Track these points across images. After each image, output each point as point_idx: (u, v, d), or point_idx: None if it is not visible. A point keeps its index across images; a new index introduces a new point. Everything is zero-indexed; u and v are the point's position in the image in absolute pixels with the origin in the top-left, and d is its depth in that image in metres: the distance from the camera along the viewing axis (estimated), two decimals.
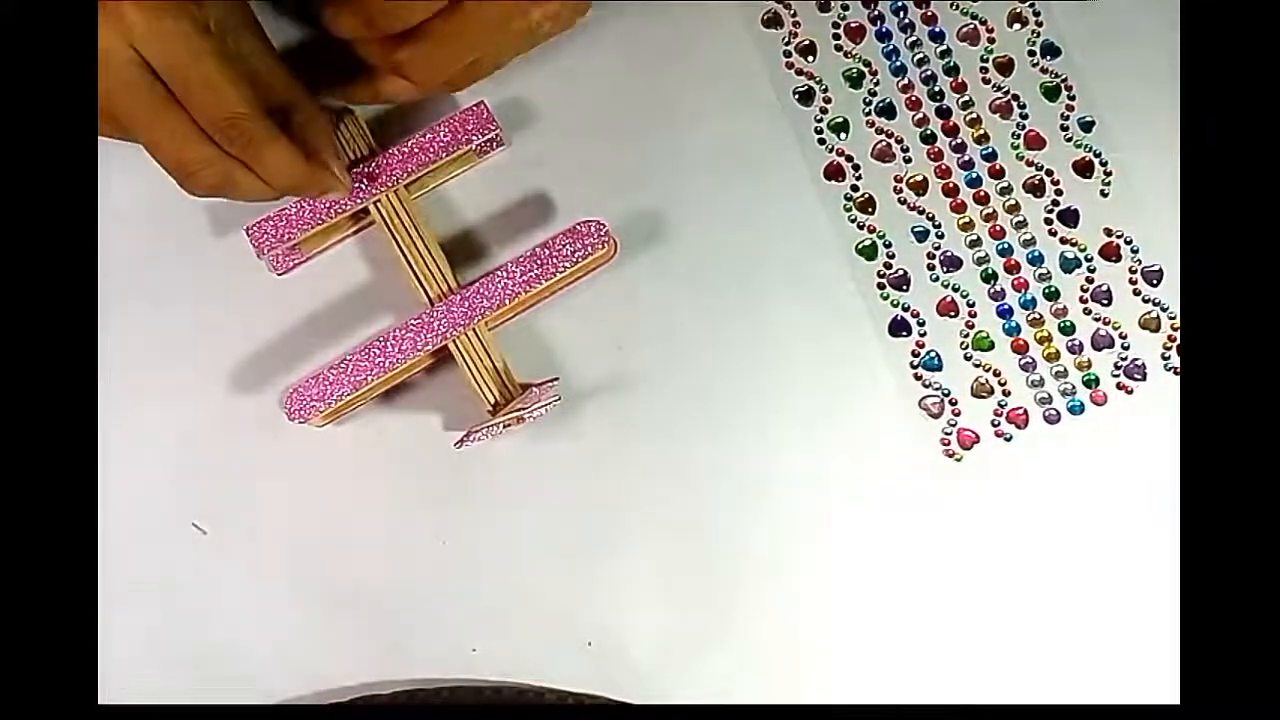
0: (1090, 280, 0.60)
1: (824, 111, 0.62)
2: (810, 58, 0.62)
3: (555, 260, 0.57)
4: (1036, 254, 0.60)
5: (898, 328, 0.60)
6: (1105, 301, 0.60)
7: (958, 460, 0.59)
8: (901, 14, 0.62)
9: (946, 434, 0.59)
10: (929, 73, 0.62)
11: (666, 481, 0.58)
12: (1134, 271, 0.60)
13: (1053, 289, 0.60)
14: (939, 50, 0.62)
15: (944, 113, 0.61)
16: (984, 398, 0.59)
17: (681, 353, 0.59)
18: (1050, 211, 0.60)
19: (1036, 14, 0.62)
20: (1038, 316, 0.60)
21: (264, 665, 0.57)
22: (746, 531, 0.58)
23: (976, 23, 0.62)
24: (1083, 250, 0.60)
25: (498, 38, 0.53)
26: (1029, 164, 0.61)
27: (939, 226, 0.61)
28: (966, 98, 0.62)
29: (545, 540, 0.58)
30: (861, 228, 0.61)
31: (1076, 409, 0.59)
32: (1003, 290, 0.60)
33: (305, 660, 0.57)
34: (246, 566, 0.58)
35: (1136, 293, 0.60)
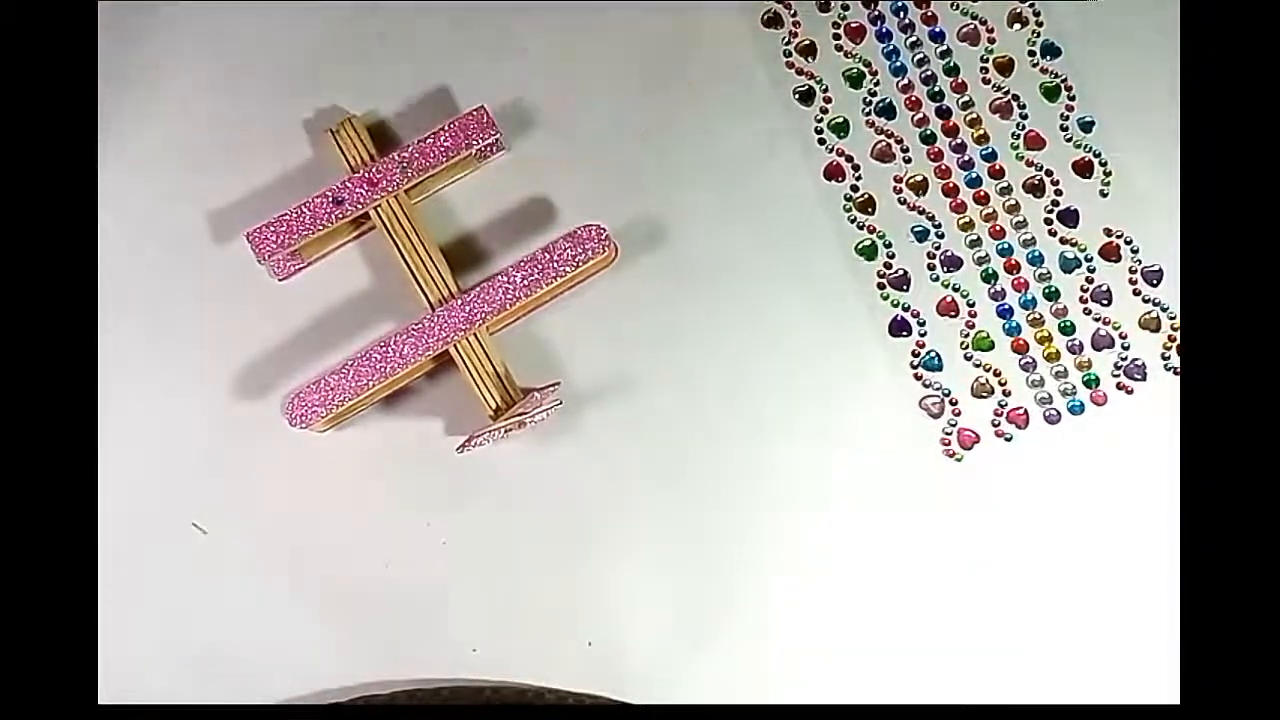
0: (1090, 280, 0.60)
1: (824, 111, 0.62)
2: (810, 58, 0.62)
3: (556, 264, 0.57)
4: (1036, 254, 0.60)
5: (898, 328, 0.60)
6: (1105, 301, 0.60)
7: (958, 460, 0.59)
8: (901, 14, 0.62)
9: (946, 434, 0.59)
10: (929, 73, 0.62)
11: (666, 483, 0.58)
12: (1134, 271, 0.60)
13: (1053, 289, 0.60)
14: (939, 50, 0.62)
15: (944, 113, 0.61)
16: (984, 398, 0.59)
17: (682, 355, 0.59)
18: (1050, 211, 0.60)
19: (1036, 14, 0.62)
20: (1038, 316, 0.60)
21: (264, 665, 0.57)
22: (746, 532, 0.58)
23: (976, 23, 0.62)
24: (1083, 250, 0.60)
25: None
26: (1029, 164, 0.61)
27: (939, 226, 0.61)
28: (966, 98, 0.62)
29: (545, 540, 0.58)
30: (861, 228, 0.61)
31: (1077, 409, 0.59)
32: (1003, 290, 0.60)
33: (305, 660, 0.57)
34: (246, 566, 0.58)
35: (1136, 293, 0.60)
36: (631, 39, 0.62)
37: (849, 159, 0.61)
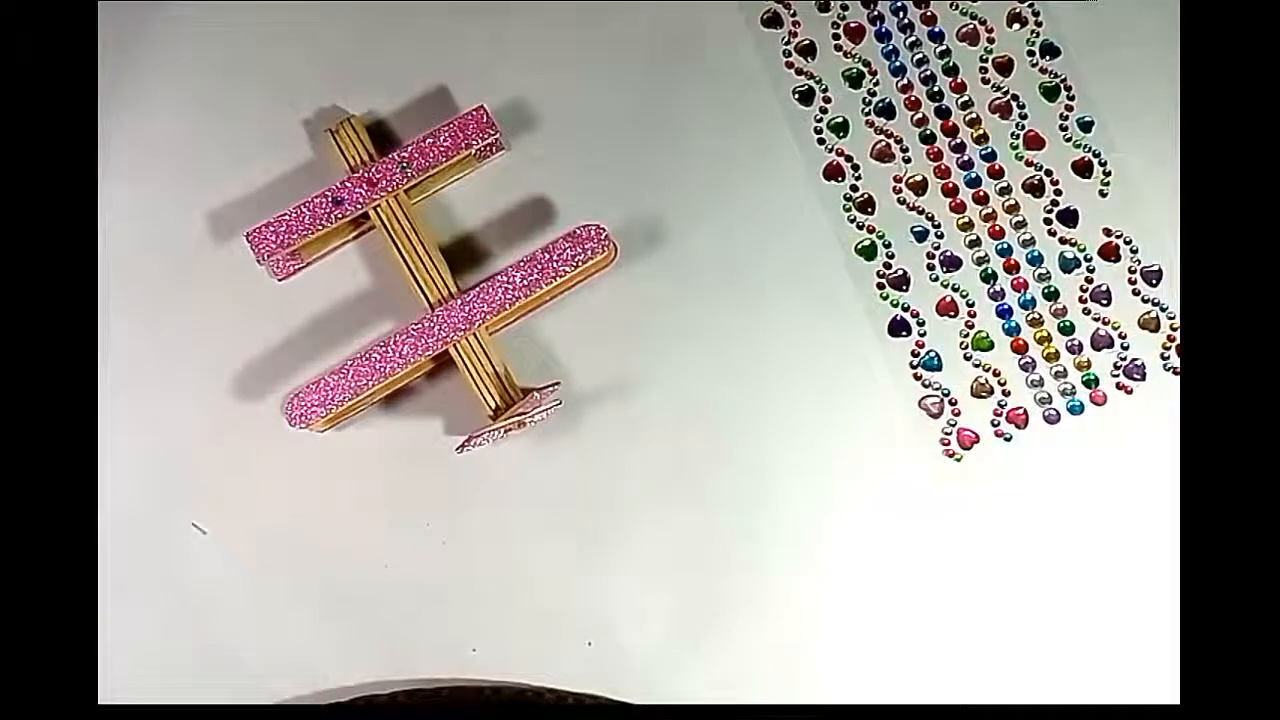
0: (1090, 280, 0.60)
1: (824, 111, 0.62)
2: (810, 58, 0.62)
3: (555, 264, 0.57)
4: (1036, 254, 0.60)
5: (898, 328, 0.60)
6: (1105, 301, 0.60)
7: (958, 460, 0.59)
8: (901, 14, 0.62)
9: (946, 434, 0.59)
10: (929, 73, 0.62)
11: (666, 483, 0.58)
12: (1133, 271, 0.60)
13: (1052, 289, 0.60)
14: (939, 50, 0.62)
15: (943, 113, 0.61)
16: (984, 398, 0.59)
17: (682, 355, 0.59)
18: (1050, 211, 0.60)
19: (1036, 14, 0.62)
20: (1037, 316, 0.60)
21: (264, 665, 0.57)
22: (746, 532, 0.58)
23: (976, 23, 0.62)
24: (1082, 250, 0.60)
25: None
26: (1028, 164, 0.61)
27: (939, 226, 0.61)
28: (966, 98, 0.62)
29: (545, 540, 0.58)
30: (861, 228, 0.61)
31: (1076, 409, 0.59)
32: (1002, 290, 0.60)
33: (305, 660, 0.57)
34: (246, 566, 0.58)
35: (1136, 293, 0.60)
36: (631, 39, 0.62)
37: (849, 159, 0.61)
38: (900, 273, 0.60)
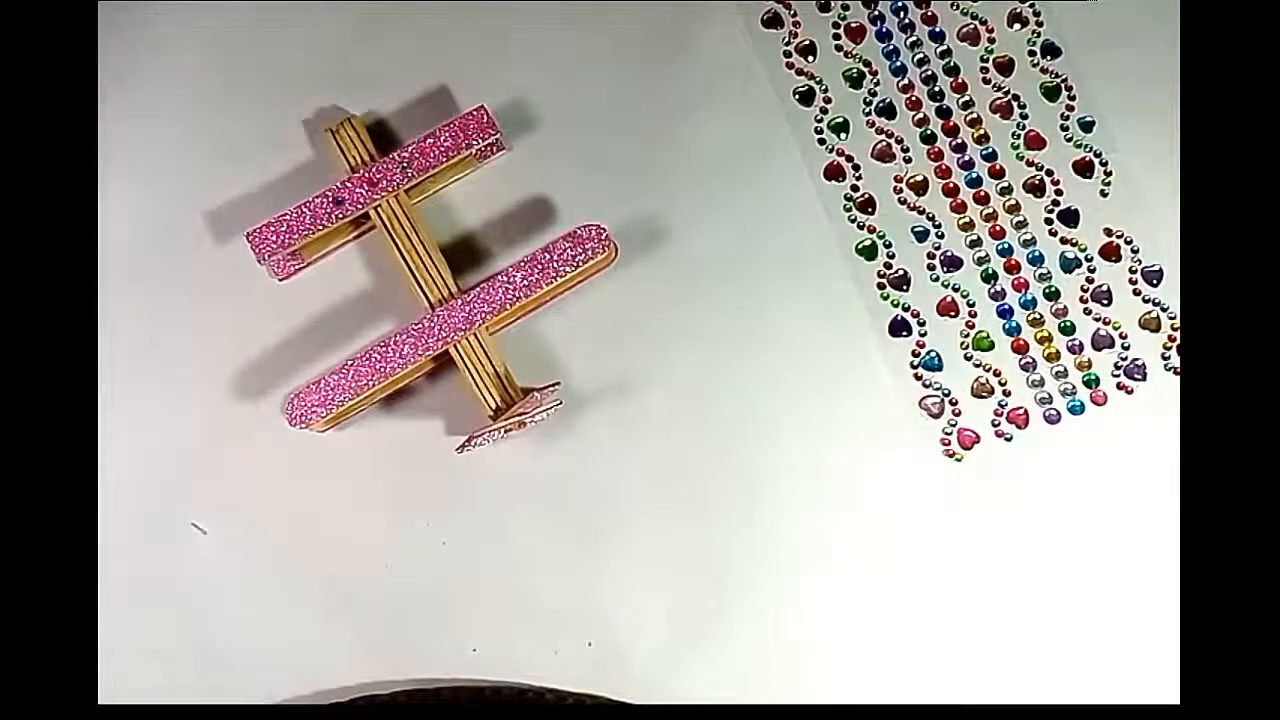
0: (1090, 280, 0.60)
1: (824, 111, 0.62)
2: (810, 58, 0.62)
3: (556, 264, 0.57)
4: (1036, 254, 0.60)
5: (898, 328, 0.60)
6: (1105, 301, 0.60)
7: (958, 460, 0.59)
8: (901, 14, 0.62)
9: (946, 434, 0.59)
10: (929, 73, 0.62)
11: (667, 483, 0.58)
12: (1134, 271, 0.60)
13: (1053, 289, 0.60)
14: (939, 50, 0.62)
15: (944, 113, 0.61)
16: (984, 398, 0.59)
17: (682, 355, 0.59)
18: (1050, 211, 0.60)
19: (1036, 14, 0.62)
20: (1038, 316, 0.60)
21: (264, 665, 0.57)
22: (747, 532, 0.58)
23: (976, 23, 0.62)
24: (1083, 250, 0.60)
25: None
26: (1029, 164, 0.61)
27: (939, 226, 0.61)
28: (966, 98, 0.61)
29: (545, 541, 0.58)
30: (861, 228, 0.61)
31: (1077, 409, 0.59)
32: (1003, 290, 0.60)
33: (305, 660, 0.57)
34: (246, 566, 0.58)
35: (1136, 293, 0.60)
36: (631, 39, 0.62)
37: (849, 159, 0.61)
38: (901, 273, 0.60)
